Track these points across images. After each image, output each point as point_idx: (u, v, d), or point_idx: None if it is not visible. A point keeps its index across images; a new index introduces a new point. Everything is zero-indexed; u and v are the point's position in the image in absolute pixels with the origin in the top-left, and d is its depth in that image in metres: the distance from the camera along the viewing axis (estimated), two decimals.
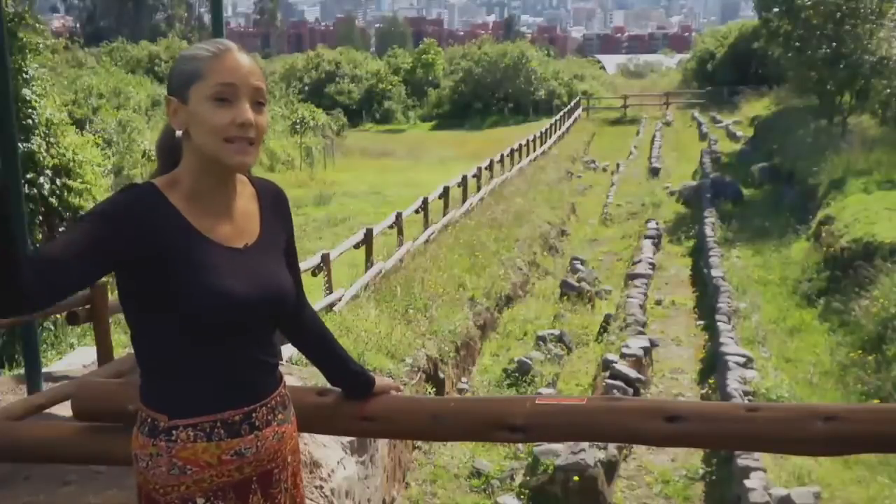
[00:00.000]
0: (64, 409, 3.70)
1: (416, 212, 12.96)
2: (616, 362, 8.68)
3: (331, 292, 8.57)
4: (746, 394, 7.67)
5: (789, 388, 8.16)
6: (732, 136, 31.70)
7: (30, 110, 8.65)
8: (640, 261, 13.98)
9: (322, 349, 2.06)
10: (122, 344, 7.24)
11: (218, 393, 1.71)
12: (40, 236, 8.58)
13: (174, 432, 1.68)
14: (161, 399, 1.71)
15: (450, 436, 2.81)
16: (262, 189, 1.87)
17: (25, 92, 8.61)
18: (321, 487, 4.41)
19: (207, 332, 1.67)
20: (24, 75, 8.68)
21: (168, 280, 1.64)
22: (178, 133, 1.69)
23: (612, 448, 6.71)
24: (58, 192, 8.82)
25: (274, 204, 1.87)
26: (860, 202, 13.74)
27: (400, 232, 11.74)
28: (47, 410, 4.07)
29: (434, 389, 7.83)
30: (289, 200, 1.95)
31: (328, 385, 2.19)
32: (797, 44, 22.39)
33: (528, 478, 6.68)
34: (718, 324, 10.17)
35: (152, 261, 1.63)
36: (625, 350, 9.07)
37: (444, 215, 14.21)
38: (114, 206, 1.63)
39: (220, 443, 1.70)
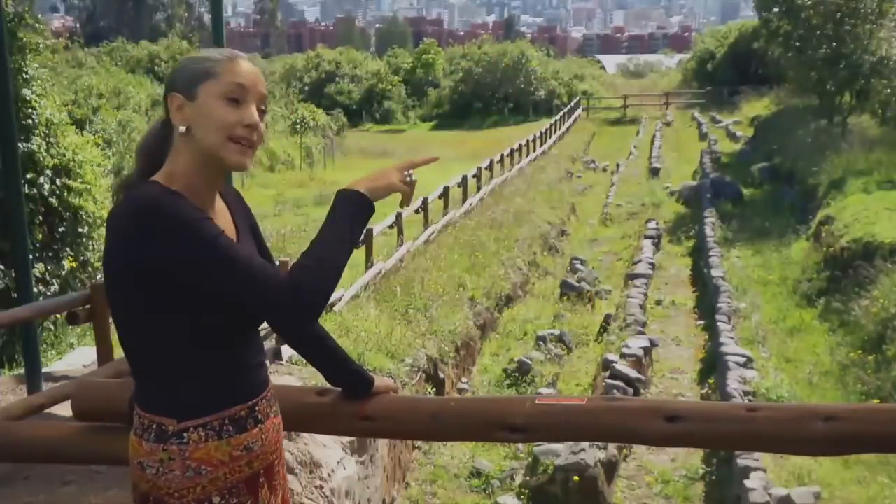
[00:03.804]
0: (64, 409, 3.71)
1: (416, 212, 12.95)
2: (616, 362, 8.68)
3: None
4: (746, 394, 7.67)
5: (789, 388, 8.16)
6: (732, 136, 31.70)
7: (30, 110, 8.63)
8: (640, 261, 13.98)
9: (319, 349, 2.06)
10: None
11: (224, 390, 1.73)
12: (40, 236, 8.57)
13: (185, 434, 1.69)
14: (167, 403, 1.72)
15: (450, 436, 2.82)
16: (226, 192, 1.90)
17: (25, 92, 8.60)
18: (321, 487, 4.42)
19: (223, 329, 1.69)
20: (24, 75, 8.66)
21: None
22: (182, 129, 1.71)
23: (612, 448, 6.71)
24: (58, 192, 8.80)
25: (236, 203, 1.91)
26: (860, 202, 13.74)
27: (400, 232, 11.73)
28: (47, 410, 4.07)
29: (434, 389, 7.83)
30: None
31: (328, 385, 2.19)
32: (797, 44, 22.39)
33: (528, 478, 6.68)
34: (718, 324, 10.17)
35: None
36: (625, 350, 9.07)
37: (444, 215, 14.20)
38: (177, 208, 1.64)
39: (230, 439, 1.72)
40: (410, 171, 1.85)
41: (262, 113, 1.75)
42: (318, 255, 1.68)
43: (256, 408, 1.78)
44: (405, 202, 1.88)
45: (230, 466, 1.72)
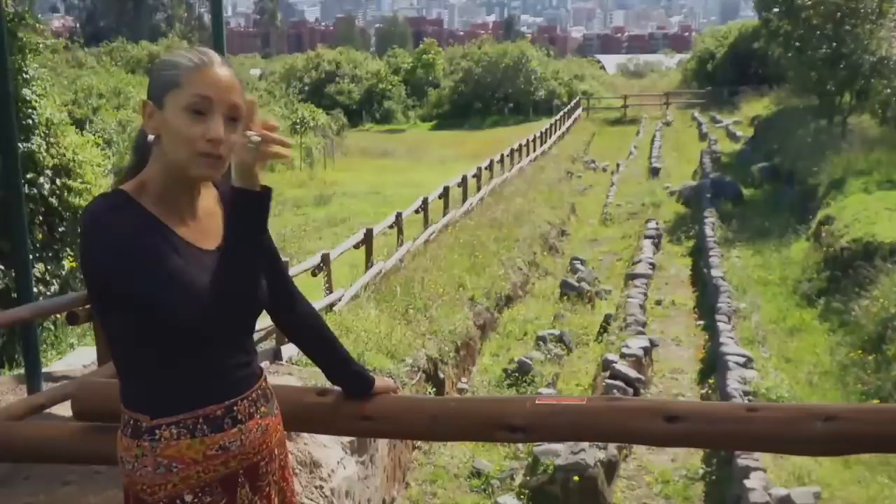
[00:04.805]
0: (64, 409, 3.71)
1: (416, 212, 12.96)
2: (616, 362, 8.68)
3: (331, 292, 8.57)
4: (746, 394, 7.67)
5: (789, 388, 8.16)
6: (732, 136, 31.69)
7: (30, 110, 8.63)
8: (640, 261, 13.98)
9: (322, 348, 2.07)
10: None
11: (198, 389, 1.73)
12: (40, 236, 8.57)
13: (157, 431, 1.70)
14: (141, 399, 1.73)
15: (450, 436, 2.82)
16: (227, 191, 1.84)
17: (25, 92, 8.60)
18: (321, 487, 4.41)
19: (184, 333, 1.67)
20: (24, 75, 8.66)
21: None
22: (150, 137, 1.72)
23: (612, 448, 6.71)
24: (58, 192, 8.81)
25: None
26: (860, 202, 13.74)
27: (400, 232, 11.74)
28: (47, 410, 4.07)
29: (434, 389, 7.83)
30: None
31: (328, 385, 2.20)
32: (797, 44, 22.39)
33: (528, 478, 6.67)
34: (718, 324, 10.17)
35: None
36: (625, 350, 9.07)
37: (444, 215, 14.20)
38: (105, 218, 1.65)
39: (203, 438, 1.71)
40: (249, 133, 1.57)
41: (233, 122, 1.66)
42: (222, 263, 1.61)
43: (235, 408, 1.76)
44: (258, 158, 1.57)
45: (203, 465, 1.71)
